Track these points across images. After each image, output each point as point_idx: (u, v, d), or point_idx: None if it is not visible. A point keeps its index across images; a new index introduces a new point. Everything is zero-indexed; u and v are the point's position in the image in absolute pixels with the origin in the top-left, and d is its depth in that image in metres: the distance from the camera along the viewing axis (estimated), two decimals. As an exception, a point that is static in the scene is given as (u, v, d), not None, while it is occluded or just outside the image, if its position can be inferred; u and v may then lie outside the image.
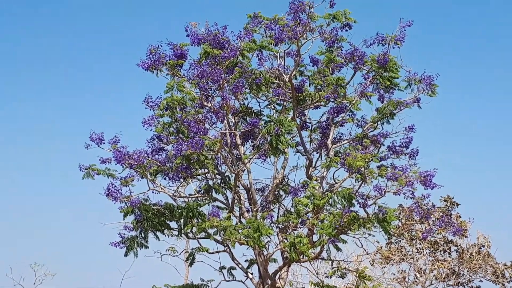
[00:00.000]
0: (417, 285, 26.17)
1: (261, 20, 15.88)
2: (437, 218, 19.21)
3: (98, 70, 48.43)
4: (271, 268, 16.47)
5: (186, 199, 16.28)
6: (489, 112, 48.44)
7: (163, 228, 15.94)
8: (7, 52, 46.48)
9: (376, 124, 16.33)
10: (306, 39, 15.97)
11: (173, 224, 16.07)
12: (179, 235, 16.24)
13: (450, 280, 26.05)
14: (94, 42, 48.50)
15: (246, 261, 16.94)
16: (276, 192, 17.28)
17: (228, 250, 16.31)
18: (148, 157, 15.61)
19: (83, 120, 44.78)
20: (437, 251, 26.45)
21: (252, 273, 16.65)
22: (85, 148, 15.32)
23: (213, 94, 15.63)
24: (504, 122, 46.08)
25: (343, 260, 17.37)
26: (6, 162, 44.17)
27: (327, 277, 17.36)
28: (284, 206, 17.41)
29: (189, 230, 15.70)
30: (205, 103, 15.39)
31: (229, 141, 16.21)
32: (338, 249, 15.92)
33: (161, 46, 15.60)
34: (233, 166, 16.26)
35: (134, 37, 48.39)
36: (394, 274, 26.78)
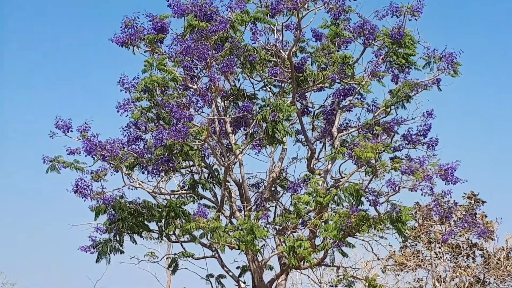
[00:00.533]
0: (436, 295, 26.20)
1: (255, -13, 15.79)
2: (460, 218, 19.20)
3: (65, 46, 48.16)
4: (267, 276, 16.56)
5: (168, 197, 16.30)
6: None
7: (141, 230, 16.04)
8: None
9: (389, 109, 16.31)
10: (308, 9, 15.92)
11: (152, 226, 16.17)
12: (160, 238, 16.32)
13: (474, 289, 26.07)
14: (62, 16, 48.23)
15: (237, 268, 17.03)
16: (273, 188, 17.30)
17: (216, 255, 16.37)
18: (124, 147, 15.64)
19: (40, 111, 44.63)
20: (459, 256, 26.45)
21: (244, 282, 16.70)
22: (50, 137, 15.27)
23: (199, 74, 15.57)
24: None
25: (350, 266, 17.44)
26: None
27: (332, 286, 17.33)
28: (282, 205, 17.44)
29: (171, 233, 15.77)
30: (190, 85, 15.32)
31: (218, 128, 16.22)
32: (344, 254, 15.97)
33: (138, 18, 15.55)
34: (223, 158, 16.23)
35: (106, 7, 48.13)
36: (409, 282, 26.81)
